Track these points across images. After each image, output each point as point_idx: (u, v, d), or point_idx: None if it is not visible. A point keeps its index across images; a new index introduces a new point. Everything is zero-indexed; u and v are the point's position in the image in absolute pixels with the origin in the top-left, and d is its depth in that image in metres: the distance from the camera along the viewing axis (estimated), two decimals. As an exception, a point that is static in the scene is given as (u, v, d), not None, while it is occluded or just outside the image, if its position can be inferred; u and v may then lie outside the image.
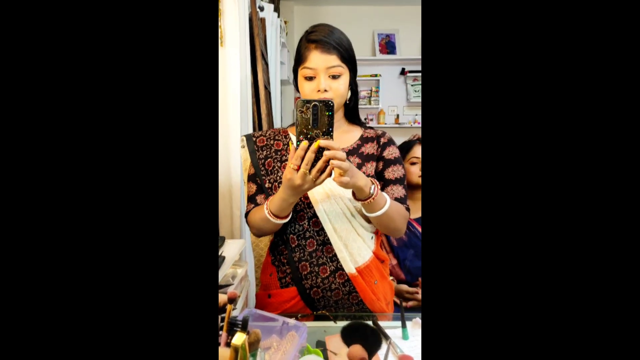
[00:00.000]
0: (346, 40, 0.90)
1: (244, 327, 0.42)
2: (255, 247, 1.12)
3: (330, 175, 0.75)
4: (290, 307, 0.93)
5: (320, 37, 0.87)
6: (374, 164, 0.95)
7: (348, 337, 0.50)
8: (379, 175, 0.95)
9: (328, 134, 0.73)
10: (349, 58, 0.89)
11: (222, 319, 0.45)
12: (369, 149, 0.96)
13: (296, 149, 0.73)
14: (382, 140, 0.97)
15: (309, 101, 0.73)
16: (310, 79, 0.88)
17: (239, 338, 0.39)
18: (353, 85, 0.93)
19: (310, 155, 0.72)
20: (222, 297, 0.45)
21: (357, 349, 0.46)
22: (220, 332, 0.45)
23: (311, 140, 0.72)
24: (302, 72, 0.89)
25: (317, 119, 0.73)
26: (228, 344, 0.44)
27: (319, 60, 0.86)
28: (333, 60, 0.86)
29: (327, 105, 0.72)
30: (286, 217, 0.85)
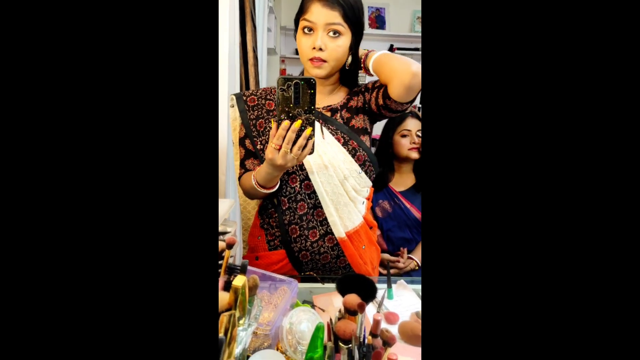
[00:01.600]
0: None
1: (243, 271, 0.42)
2: (243, 210, 1.11)
3: (311, 151, 0.74)
4: (278, 270, 0.93)
5: None
6: (363, 116, 0.93)
7: (343, 287, 0.51)
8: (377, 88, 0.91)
9: (310, 112, 0.71)
10: (353, 18, 0.84)
11: (220, 265, 0.45)
12: (356, 102, 0.94)
13: (278, 127, 0.71)
14: (368, 86, 0.94)
15: (290, 79, 0.70)
16: (308, 31, 0.84)
17: (240, 279, 0.38)
18: (355, 50, 0.89)
19: (291, 135, 0.70)
20: (221, 243, 0.44)
21: (353, 297, 0.46)
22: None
23: (293, 119, 0.71)
24: (301, 24, 0.85)
25: (298, 97, 0.70)
26: (225, 288, 0.43)
27: (320, 14, 0.82)
28: (335, 16, 0.82)
29: (309, 83, 0.70)
30: (273, 187, 0.84)
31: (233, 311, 0.35)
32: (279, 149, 0.72)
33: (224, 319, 0.33)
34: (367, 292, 0.49)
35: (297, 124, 0.70)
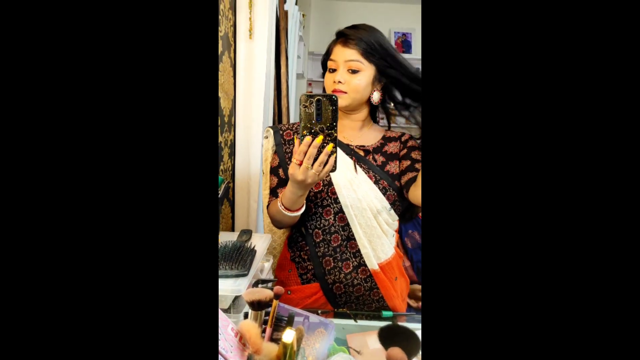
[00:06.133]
0: (375, 37, 0.91)
1: (290, 323, 0.42)
2: (271, 240, 1.11)
3: (333, 169, 0.75)
4: (312, 303, 0.93)
5: (344, 32, 0.91)
6: (397, 163, 0.95)
7: (387, 339, 0.51)
8: (403, 172, 0.94)
9: (332, 128, 0.73)
10: (373, 54, 0.89)
11: (267, 314, 0.46)
12: (392, 148, 0.97)
13: (300, 144, 0.73)
14: (410, 143, 0.98)
15: (312, 95, 0.73)
16: (332, 71, 0.91)
17: (290, 335, 0.39)
18: (384, 85, 0.93)
19: (312, 150, 0.72)
20: (269, 292, 0.45)
21: (397, 352, 0.46)
22: (264, 326, 0.45)
23: (315, 135, 0.73)
24: (327, 65, 0.93)
25: (320, 113, 0.73)
26: (273, 339, 0.44)
27: (340, 53, 0.90)
28: (352, 54, 0.88)
29: (331, 99, 0.73)
30: (298, 210, 0.85)
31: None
32: (300, 165, 0.73)
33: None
34: (411, 347, 0.48)
35: (319, 140, 0.72)
